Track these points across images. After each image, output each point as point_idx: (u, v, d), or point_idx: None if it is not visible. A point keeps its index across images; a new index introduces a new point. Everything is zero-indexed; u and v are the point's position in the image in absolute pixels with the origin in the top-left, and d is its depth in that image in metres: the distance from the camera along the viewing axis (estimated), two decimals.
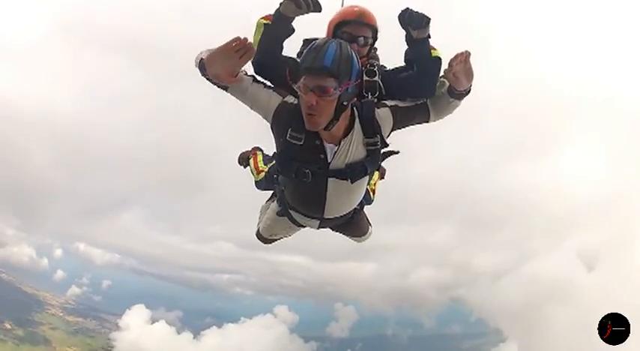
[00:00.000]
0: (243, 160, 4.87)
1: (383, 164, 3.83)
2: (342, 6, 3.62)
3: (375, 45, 3.64)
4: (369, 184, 3.85)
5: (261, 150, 4.81)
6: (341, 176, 3.26)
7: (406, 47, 3.29)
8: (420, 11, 3.03)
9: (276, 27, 3.18)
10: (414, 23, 3.07)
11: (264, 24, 3.19)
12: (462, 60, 3.11)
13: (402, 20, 3.09)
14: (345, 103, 2.98)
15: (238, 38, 2.89)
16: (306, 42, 3.51)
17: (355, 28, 3.44)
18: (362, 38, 3.43)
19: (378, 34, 3.57)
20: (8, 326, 62.14)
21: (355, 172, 3.26)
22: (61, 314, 72.46)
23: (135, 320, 73.79)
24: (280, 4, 3.10)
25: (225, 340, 74.53)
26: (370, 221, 4.37)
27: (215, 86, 3.17)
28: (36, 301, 72.37)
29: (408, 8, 3.04)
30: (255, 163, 4.62)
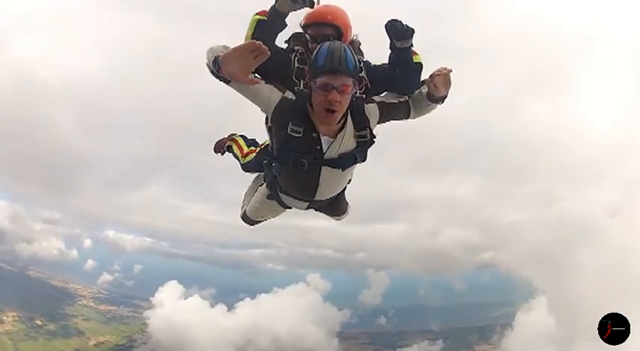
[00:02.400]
0: (220, 147, 4.96)
1: None
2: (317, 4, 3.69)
3: (359, 39, 3.89)
4: None
5: (240, 135, 4.91)
6: (333, 165, 3.58)
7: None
8: (405, 23, 3.30)
9: (271, 22, 3.40)
10: (398, 35, 3.36)
11: (258, 20, 3.41)
12: (443, 73, 3.48)
13: (388, 31, 3.38)
14: (353, 99, 3.36)
15: (253, 42, 3.12)
16: (294, 36, 3.79)
17: (317, 30, 3.63)
18: (325, 37, 3.53)
19: (349, 31, 3.73)
20: (39, 322, 60.77)
21: (346, 161, 3.59)
22: (93, 304, 70.98)
23: (168, 296, 72.17)
24: (276, 0, 3.33)
25: (258, 311, 72.86)
26: (348, 201, 4.61)
27: (218, 80, 3.31)
28: (67, 294, 71.01)
29: (394, 20, 3.31)
30: (239, 147, 4.71)
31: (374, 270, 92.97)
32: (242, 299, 76.29)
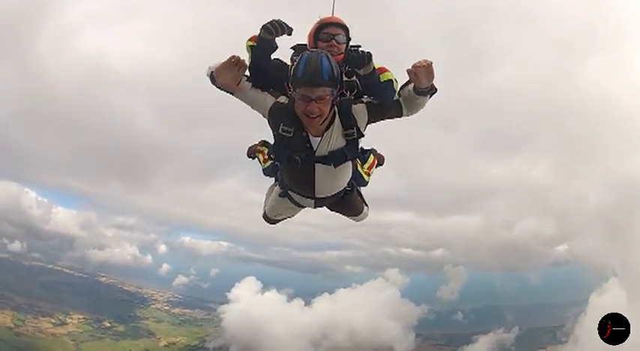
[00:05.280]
0: (252, 152, 5.15)
1: (380, 152, 4.78)
2: (324, 15, 4.21)
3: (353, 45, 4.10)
4: (362, 168, 4.50)
5: (267, 143, 5.05)
6: (325, 162, 3.78)
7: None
8: (361, 51, 3.57)
9: (260, 48, 3.69)
10: (358, 64, 3.58)
11: (250, 46, 3.77)
12: (424, 65, 3.46)
13: (347, 62, 3.73)
14: (334, 102, 3.55)
15: (233, 56, 3.54)
16: (297, 48, 4.07)
17: (333, 29, 4.02)
18: (339, 36, 3.98)
19: (350, 35, 4.08)
20: (107, 324, 57.67)
21: (337, 158, 3.78)
22: (166, 308, 67.19)
23: (244, 292, 69.09)
24: (260, 30, 3.61)
25: (336, 306, 68.60)
26: (367, 202, 4.85)
27: (223, 92, 3.77)
28: (139, 298, 67.71)
29: (350, 50, 3.72)
30: (263, 154, 4.94)
31: (452, 265, 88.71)
32: (320, 294, 71.86)
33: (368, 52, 3.51)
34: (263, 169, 4.98)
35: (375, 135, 4.32)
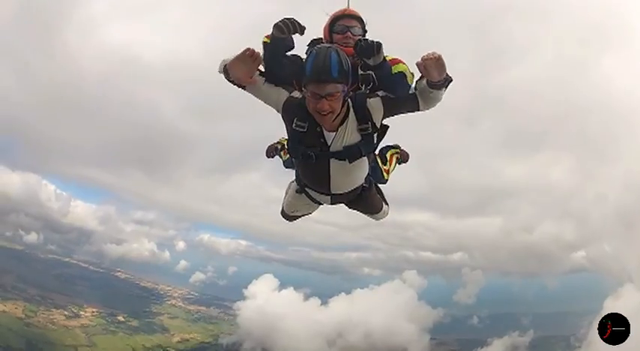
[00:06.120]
0: (271, 151, 5.26)
1: (406, 149, 4.81)
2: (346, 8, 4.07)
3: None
4: (384, 164, 4.57)
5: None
6: (340, 157, 3.67)
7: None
8: (370, 40, 3.37)
9: (274, 45, 3.50)
10: (367, 54, 3.40)
11: (264, 42, 3.54)
12: (432, 58, 3.31)
13: (356, 52, 3.46)
14: (346, 97, 3.43)
15: (248, 48, 3.39)
16: (313, 42, 3.91)
17: (348, 21, 3.90)
18: (355, 28, 3.86)
19: (367, 28, 3.96)
20: (121, 319, 57.36)
21: (352, 153, 3.67)
22: (182, 305, 66.83)
23: (261, 289, 69.52)
24: (272, 28, 3.42)
25: (353, 306, 68.40)
26: (387, 200, 4.76)
27: (236, 87, 3.62)
28: (155, 294, 67.48)
29: (359, 40, 3.43)
30: (284, 147, 5.03)
31: (470, 269, 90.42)
32: (337, 294, 71.75)
33: (377, 42, 3.37)
34: (283, 161, 5.01)
35: (397, 133, 4.24)
